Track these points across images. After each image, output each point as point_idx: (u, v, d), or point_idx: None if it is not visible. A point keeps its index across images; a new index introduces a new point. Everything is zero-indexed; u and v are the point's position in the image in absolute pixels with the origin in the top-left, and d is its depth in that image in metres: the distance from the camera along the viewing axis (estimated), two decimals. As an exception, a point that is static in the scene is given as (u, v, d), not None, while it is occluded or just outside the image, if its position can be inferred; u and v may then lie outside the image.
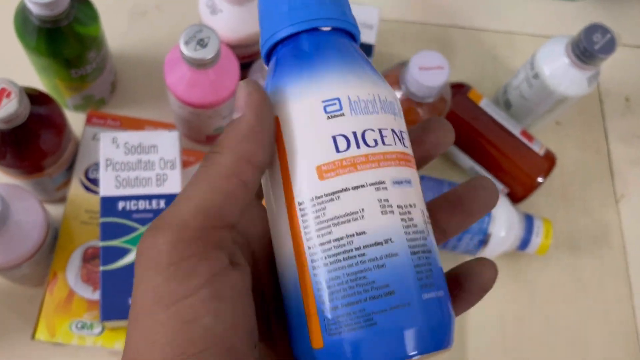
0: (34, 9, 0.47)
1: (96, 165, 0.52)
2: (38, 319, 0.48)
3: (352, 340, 0.20)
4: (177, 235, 0.19)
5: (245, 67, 0.58)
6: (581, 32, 0.55)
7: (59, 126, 0.49)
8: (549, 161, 0.60)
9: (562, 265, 0.63)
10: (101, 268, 0.44)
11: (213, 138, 0.59)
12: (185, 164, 0.54)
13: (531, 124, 0.65)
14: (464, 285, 0.22)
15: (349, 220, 0.21)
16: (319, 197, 0.21)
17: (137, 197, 0.46)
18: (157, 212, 0.46)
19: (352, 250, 0.20)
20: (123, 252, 0.44)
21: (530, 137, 0.61)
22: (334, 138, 0.22)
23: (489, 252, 0.58)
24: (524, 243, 0.58)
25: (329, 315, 0.20)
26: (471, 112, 0.61)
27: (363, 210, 0.21)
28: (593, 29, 0.54)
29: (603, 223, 0.65)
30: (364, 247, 0.20)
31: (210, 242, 0.19)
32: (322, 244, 0.21)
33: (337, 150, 0.22)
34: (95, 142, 0.53)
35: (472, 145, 0.61)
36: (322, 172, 0.21)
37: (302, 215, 0.21)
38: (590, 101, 0.70)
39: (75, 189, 0.51)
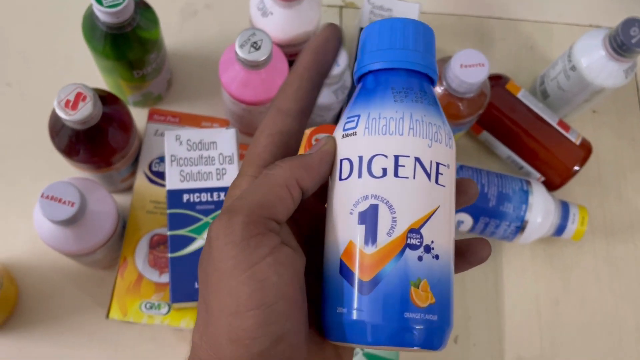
0: (102, 16, 0.51)
1: (159, 159, 0.57)
2: (111, 300, 0.53)
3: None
4: (246, 219, 0.24)
5: (293, 63, 0.61)
6: (618, 25, 0.56)
7: (127, 124, 0.53)
8: (585, 150, 0.62)
9: (597, 251, 0.66)
10: (170, 255, 0.48)
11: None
12: (241, 157, 0.58)
13: (568, 114, 0.67)
14: (466, 257, 0.28)
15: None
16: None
17: (200, 190, 0.50)
18: (217, 204, 0.50)
19: None
20: (189, 240, 0.49)
21: (566, 127, 0.63)
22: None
23: (526, 238, 0.61)
24: (560, 229, 0.61)
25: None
26: (509, 103, 0.63)
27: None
28: (630, 23, 0.56)
29: (638, 209, 0.67)
30: None
31: (267, 227, 0.24)
32: None
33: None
34: (157, 138, 0.57)
35: (510, 136, 0.64)
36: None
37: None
38: (627, 89, 0.71)
39: (141, 181, 0.56)
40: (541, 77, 0.67)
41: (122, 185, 0.60)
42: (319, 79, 0.28)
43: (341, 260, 0.25)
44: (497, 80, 0.64)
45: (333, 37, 0.27)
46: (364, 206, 0.25)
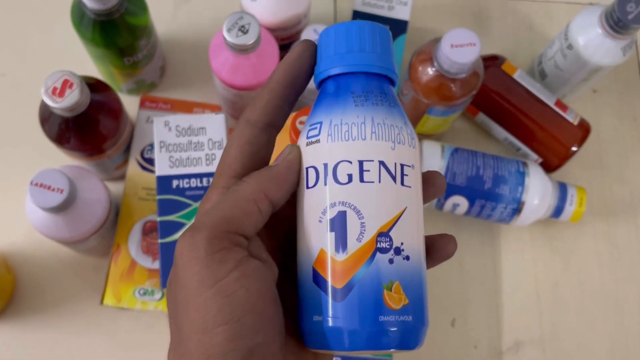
0: (89, 3, 0.51)
1: (151, 146, 0.57)
2: (105, 287, 0.53)
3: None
4: (209, 234, 0.24)
5: (284, 48, 0.61)
6: (615, 2, 0.55)
7: (116, 112, 0.53)
8: (583, 130, 0.61)
9: (598, 232, 0.65)
10: (160, 241, 0.49)
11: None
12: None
13: (567, 94, 0.66)
14: (430, 254, 0.28)
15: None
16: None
17: (189, 176, 0.50)
18: (207, 189, 0.50)
19: None
20: (179, 225, 0.49)
21: (564, 107, 0.62)
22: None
23: (523, 220, 0.60)
24: (558, 211, 0.60)
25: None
26: (505, 84, 0.62)
27: None
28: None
29: (639, 190, 0.66)
30: None
31: (232, 241, 0.24)
32: None
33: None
34: (149, 125, 0.57)
35: (506, 117, 0.63)
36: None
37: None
38: (627, 68, 0.70)
39: (133, 169, 0.56)
40: (539, 57, 0.66)
41: (117, 173, 0.60)
42: (292, 94, 0.28)
43: (314, 268, 0.25)
44: (492, 61, 0.63)
45: (306, 53, 0.27)
46: (332, 213, 0.25)
